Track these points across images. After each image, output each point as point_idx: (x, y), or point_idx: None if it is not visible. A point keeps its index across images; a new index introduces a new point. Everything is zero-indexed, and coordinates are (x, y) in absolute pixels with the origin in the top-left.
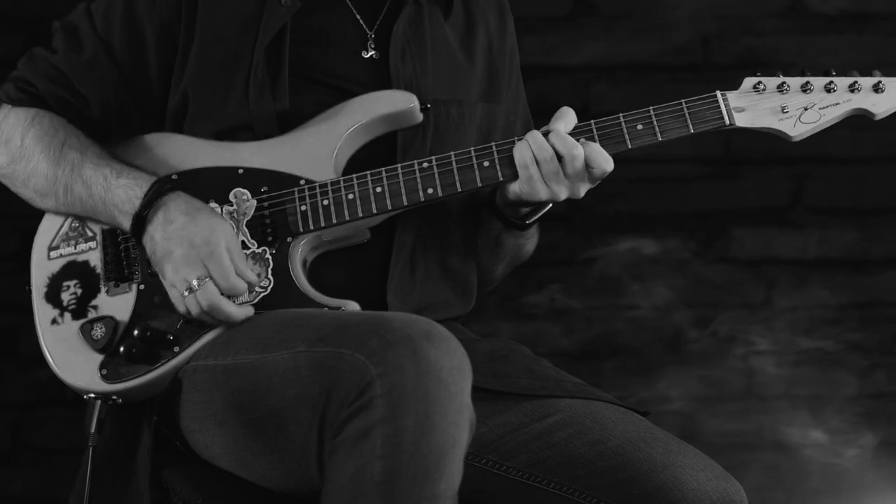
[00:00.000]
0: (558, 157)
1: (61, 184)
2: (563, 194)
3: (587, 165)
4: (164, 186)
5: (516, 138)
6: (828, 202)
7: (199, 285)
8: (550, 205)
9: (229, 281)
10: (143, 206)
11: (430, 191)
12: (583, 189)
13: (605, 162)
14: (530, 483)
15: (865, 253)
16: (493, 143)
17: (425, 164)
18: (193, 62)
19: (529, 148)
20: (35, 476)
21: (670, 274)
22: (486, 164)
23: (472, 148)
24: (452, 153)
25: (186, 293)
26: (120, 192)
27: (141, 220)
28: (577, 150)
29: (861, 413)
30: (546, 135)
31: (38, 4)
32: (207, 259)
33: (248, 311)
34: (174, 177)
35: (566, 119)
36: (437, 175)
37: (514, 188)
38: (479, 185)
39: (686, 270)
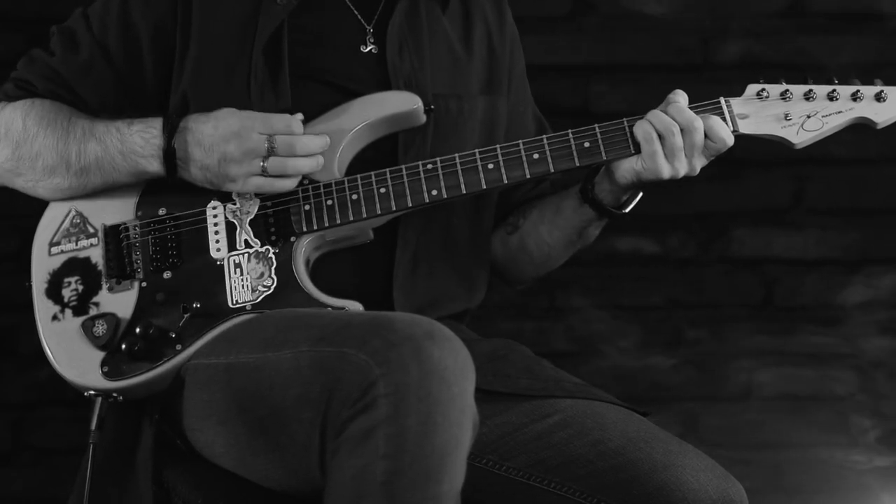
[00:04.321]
0: (680, 129)
1: (73, 149)
2: (682, 170)
3: (707, 138)
4: (173, 117)
5: (626, 120)
6: (828, 203)
7: (270, 142)
8: (641, 194)
9: (286, 122)
10: (166, 140)
11: (434, 192)
12: (699, 165)
13: (726, 136)
14: (530, 483)
15: (866, 254)
16: (496, 146)
17: (430, 166)
18: (192, 64)
19: (651, 123)
20: (35, 476)
21: (671, 274)
22: (490, 166)
23: (476, 150)
24: (457, 155)
25: (264, 161)
26: (136, 138)
27: (171, 153)
28: (698, 122)
29: (861, 413)
30: (665, 110)
31: (38, 4)
32: (259, 126)
33: (325, 139)
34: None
35: (679, 98)
36: (441, 176)
37: (634, 165)
38: (484, 187)
39: (686, 270)
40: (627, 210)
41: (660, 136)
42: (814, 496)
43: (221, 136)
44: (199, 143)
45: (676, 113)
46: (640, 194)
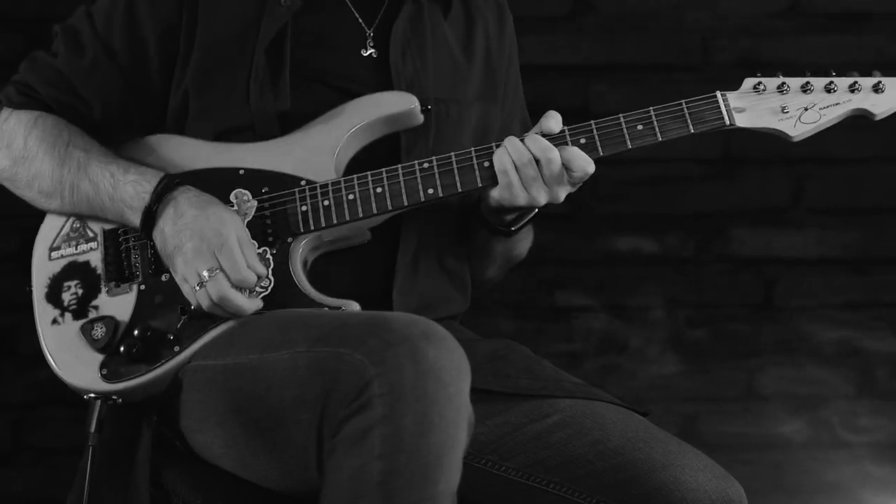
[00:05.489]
0: (535, 160)
1: (67, 183)
2: (542, 199)
3: (566, 168)
4: (173, 181)
5: (495, 144)
6: (827, 202)
7: (209, 277)
8: (536, 210)
9: (240, 273)
10: (153, 200)
11: (430, 191)
12: (562, 193)
13: (585, 164)
14: (530, 483)
15: (865, 253)
16: (493, 144)
17: (426, 165)
18: (194, 63)
19: (507, 153)
20: (35, 476)
21: (670, 274)
22: (486, 164)
23: (472, 148)
24: (453, 153)
25: (198, 287)
26: (128, 188)
27: (151, 214)
28: (553, 154)
29: (861, 413)
30: (523, 140)
31: (38, 5)
32: (218, 251)
33: (258, 303)
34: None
35: (550, 122)
36: (437, 175)
37: (494, 194)
38: (480, 185)
39: (686, 270)
40: (516, 228)
41: (515, 166)
42: (814, 496)
43: (191, 229)
44: (175, 219)
45: (531, 143)
46: (533, 212)
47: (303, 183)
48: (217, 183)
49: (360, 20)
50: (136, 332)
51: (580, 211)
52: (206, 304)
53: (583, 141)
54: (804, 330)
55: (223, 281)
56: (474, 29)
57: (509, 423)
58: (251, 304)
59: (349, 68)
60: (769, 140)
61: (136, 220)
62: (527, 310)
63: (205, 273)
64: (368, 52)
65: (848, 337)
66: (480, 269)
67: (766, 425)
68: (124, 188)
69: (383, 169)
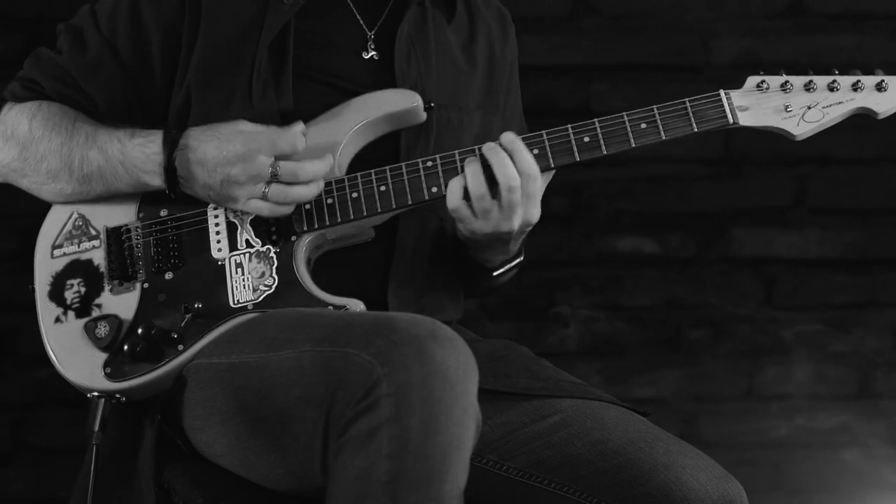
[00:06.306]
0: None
1: (76, 156)
2: (486, 228)
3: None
4: (174, 132)
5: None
6: (828, 203)
7: (274, 168)
8: (521, 258)
9: (292, 143)
10: (167, 156)
11: (434, 189)
12: (536, 214)
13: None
14: (531, 483)
15: (865, 253)
16: (497, 142)
17: (429, 164)
18: (197, 61)
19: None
20: (35, 476)
21: (670, 274)
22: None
23: (476, 146)
24: (456, 151)
25: (267, 188)
26: (136, 151)
27: (172, 170)
28: (514, 182)
29: (861, 412)
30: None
31: (39, 4)
32: (265, 148)
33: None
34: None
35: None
36: (441, 174)
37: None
38: None
39: (686, 270)
40: (498, 273)
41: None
42: (814, 496)
43: (226, 159)
44: (202, 162)
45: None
46: (517, 260)
47: None
48: None
49: (362, 22)
50: (139, 331)
51: (580, 211)
52: (280, 198)
53: (586, 139)
54: (804, 330)
55: (287, 163)
56: (477, 36)
57: (510, 422)
58: (323, 165)
59: (351, 70)
60: (770, 140)
61: (155, 181)
62: (526, 310)
63: (268, 170)
64: (370, 54)
65: (848, 337)
66: (470, 291)
67: (767, 425)
68: (133, 153)
69: (387, 167)
